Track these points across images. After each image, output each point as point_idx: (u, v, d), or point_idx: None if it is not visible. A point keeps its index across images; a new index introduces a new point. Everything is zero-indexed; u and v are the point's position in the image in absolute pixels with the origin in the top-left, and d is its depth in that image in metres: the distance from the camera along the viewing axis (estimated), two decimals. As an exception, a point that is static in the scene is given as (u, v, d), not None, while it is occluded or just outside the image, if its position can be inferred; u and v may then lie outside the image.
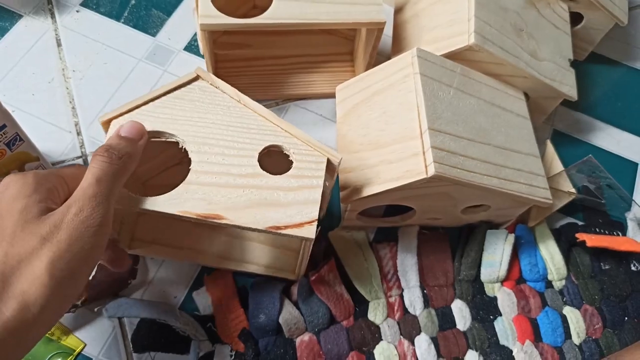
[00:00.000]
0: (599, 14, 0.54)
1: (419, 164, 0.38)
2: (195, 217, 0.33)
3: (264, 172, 0.35)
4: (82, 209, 0.29)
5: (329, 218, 0.47)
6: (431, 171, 0.37)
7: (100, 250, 0.30)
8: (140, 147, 0.34)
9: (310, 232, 0.34)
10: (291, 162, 0.36)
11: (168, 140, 0.36)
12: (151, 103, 0.37)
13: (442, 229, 0.48)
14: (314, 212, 0.34)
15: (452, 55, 0.44)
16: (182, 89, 0.38)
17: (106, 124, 0.36)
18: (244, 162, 0.35)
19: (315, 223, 0.34)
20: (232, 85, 0.52)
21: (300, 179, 0.35)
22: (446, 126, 0.40)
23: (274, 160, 0.37)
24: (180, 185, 0.34)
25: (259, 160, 0.36)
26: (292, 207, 0.34)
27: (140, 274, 0.44)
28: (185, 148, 0.36)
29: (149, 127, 0.36)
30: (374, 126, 0.43)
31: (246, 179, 0.35)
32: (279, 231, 0.34)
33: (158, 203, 0.33)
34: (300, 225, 0.34)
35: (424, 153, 0.38)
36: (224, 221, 0.33)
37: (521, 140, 0.45)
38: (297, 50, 0.55)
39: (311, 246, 0.38)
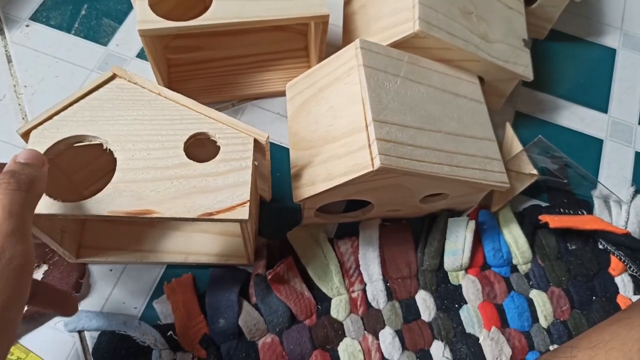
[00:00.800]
0: (553, -9, 0.53)
1: (366, 157, 0.37)
2: (124, 215, 0.33)
3: (191, 161, 0.35)
4: (3, 250, 0.26)
5: (290, 218, 0.47)
6: (377, 164, 0.36)
7: (27, 291, 0.28)
8: (44, 172, 0.32)
9: (243, 213, 0.34)
10: (219, 148, 0.36)
11: (92, 142, 0.36)
12: (70, 108, 0.36)
13: (404, 220, 0.48)
14: (245, 194, 0.34)
15: (399, 44, 0.44)
16: (101, 89, 0.37)
17: (25, 136, 0.35)
18: (169, 153, 0.35)
19: (248, 204, 0.34)
20: (186, 88, 0.52)
21: (228, 163, 0.35)
22: (393, 117, 0.39)
23: (207, 150, 0.37)
24: (108, 185, 0.34)
25: (189, 151, 0.36)
26: (222, 192, 0.34)
27: (87, 287, 0.44)
28: (109, 148, 0.36)
29: (71, 132, 0.35)
30: (322, 121, 0.42)
31: (174, 170, 0.35)
32: (211, 217, 0.34)
33: (86, 206, 0.33)
34: (232, 208, 0.34)
35: (369, 146, 0.37)
36: (155, 215, 0.33)
37: (475, 125, 0.44)
38: (250, 49, 0.54)
39: (250, 227, 0.39)
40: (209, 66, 0.53)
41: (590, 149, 0.53)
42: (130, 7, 0.58)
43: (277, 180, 0.48)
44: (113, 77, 0.39)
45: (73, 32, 0.56)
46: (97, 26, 0.56)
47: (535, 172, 0.46)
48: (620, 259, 0.46)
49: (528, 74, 0.48)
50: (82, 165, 0.41)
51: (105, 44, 0.55)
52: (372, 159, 0.37)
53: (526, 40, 0.50)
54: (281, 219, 0.47)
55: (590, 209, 0.49)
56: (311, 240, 0.46)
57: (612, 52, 0.59)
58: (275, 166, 0.48)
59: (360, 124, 0.39)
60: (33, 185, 0.30)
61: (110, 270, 0.44)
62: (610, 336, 0.35)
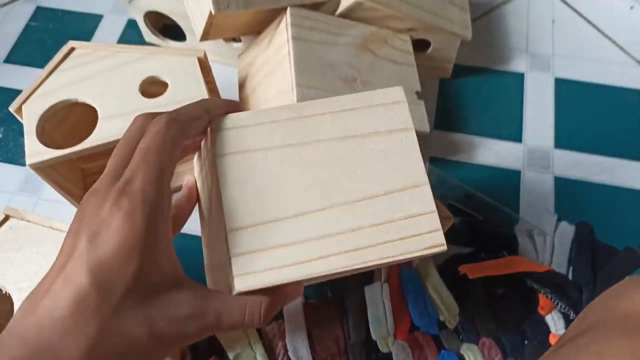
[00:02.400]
0: (441, 35, 0.53)
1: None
2: None
3: None
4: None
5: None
6: (237, 289, 0.28)
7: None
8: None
9: None
10: None
11: None
12: None
13: (330, 293, 0.48)
14: None
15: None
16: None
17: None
18: None
19: None
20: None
21: None
22: (254, 215, 0.30)
23: None
24: None
25: None
26: None
27: None
28: (7, 293, 0.36)
29: None
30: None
31: None
32: None
33: None
34: None
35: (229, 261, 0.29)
36: None
37: (392, 171, 0.31)
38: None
39: None
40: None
41: (508, 182, 0.53)
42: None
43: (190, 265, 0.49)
44: (6, 219, 0.40)
45: (-10, 157, 0.57)
46: (15, 147, 0.58)
47: (450, 214, 0.46)
48: (547, 297, 0.46)
49: (424, 127, 0.48)
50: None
51: (23, 164, 0.56)
52: (232, 284, 0.28)
53: (419, 92, 0.50)
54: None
55: (514, 248, 0.49)
56: (239, 332, 0.46)
57: (520, 76, 0.59)
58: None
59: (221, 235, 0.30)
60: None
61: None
62: None
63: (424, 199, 0.31)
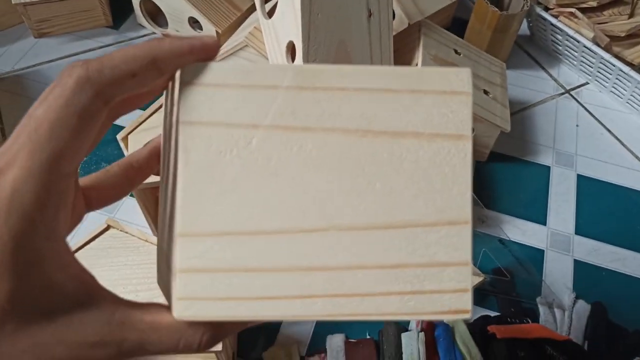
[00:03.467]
0: (484, 124, 0.62)
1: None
2: None
3: None
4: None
5: (266, 337, 0.52)
6: (180, 317, 0.21)
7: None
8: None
9: (217, 345, 0.38)
10: None
11: None
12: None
13: (369, 335, 0.53)
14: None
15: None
16: (96, 240, 0.44)
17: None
18: (156, 294, 0.41)
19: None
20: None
21: None
22: (217, 224, 0.21)
23: None
24: None
25: None
26: None
27: None
28: None
29: None
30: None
31: None
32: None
33: None
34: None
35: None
36: None
37: (422, 194, 0.22)
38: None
39: (223, 356, 0.42)
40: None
41: (532, 258, 0.59)
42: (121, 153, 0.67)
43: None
44: (107, 228, 0.46)
45: (75, 176, 0.64)
46: (97, 169, 0.65)
47: (478, 271, 0.53)
48: (565, 364, 0.51)
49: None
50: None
51: (102, 185, 0.63)
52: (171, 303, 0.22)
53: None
54: (258, 338, 0.52)
55: (536, 317, 0.55)
56: (284, 358, 0.50)
57: (547, 169, 0.68)
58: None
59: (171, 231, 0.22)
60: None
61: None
62: None
63: (460, 244, 0.22)
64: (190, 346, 0.22)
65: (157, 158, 0.25)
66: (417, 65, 0.60)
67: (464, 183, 0.22)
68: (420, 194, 0.22)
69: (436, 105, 0.22)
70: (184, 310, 0.21)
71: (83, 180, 0.24)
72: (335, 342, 0.51)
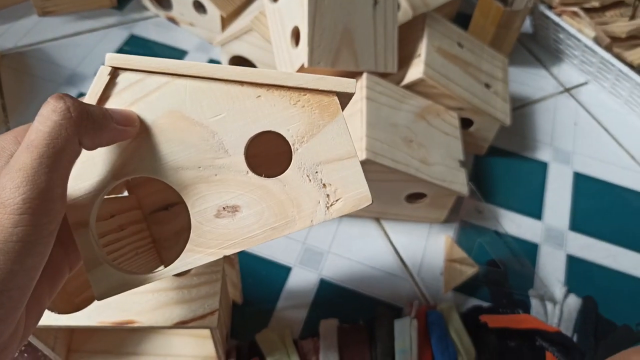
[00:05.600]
0: (484, 117, 0.63)
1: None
2: (111, 325, 0.38)
3: (170, 276, 0.41)
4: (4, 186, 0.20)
5: (259, 321, 0.52)
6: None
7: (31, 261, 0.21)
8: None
9: (212, 321, 0.39)
10: None
11: None
12: None
13: (361, 321, 0.53)
14: (214, 304, 0.40)
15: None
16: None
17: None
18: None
19: (217, 313, 0.40)
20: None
21: (201, 276, 0.41)
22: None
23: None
24: None
25: None
26: (195, 302, 0.40)
27: None
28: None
29: None
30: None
31: (154, 284, 0.41)
32: (185, 325, 0.39)
33: (78, 317, 0.39)
34: (203, 317, 0.40)
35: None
36: (136, 324, 0.39)
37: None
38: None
39: (220, 332, 0.43)
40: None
41: (526, 251, 0.60)
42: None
43: (248, 285, 0.54)
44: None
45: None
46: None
47: (472, 262, 0.54)
48: (554, 355, 0.51)
49: (464, 190, 0.56)
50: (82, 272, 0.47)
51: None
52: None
53: (462, 160, 0.58)
54: (252, 321, 0.52)
55: (527, 309, 0.55)
56: (278, 341, 0.51)
57: (544, 165, 0.68)
58: (246, 272, 0.54)
59: None
60: (90, 119, 0.23)
61: (95, 372, 0.49)
62: None
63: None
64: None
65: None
66: (419, 56, 0.60)
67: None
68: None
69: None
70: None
71: None
72: (328, 327, 0.52)
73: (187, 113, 0.26)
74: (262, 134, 0.27)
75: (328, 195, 0.26)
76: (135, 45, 0.77)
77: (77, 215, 0.26)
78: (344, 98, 0.27)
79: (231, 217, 0.27)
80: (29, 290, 0.22)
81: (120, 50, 0.76)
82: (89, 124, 0.23)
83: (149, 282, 0.27)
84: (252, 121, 0.26)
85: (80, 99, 0.23)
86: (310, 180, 0.26)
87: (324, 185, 0.26)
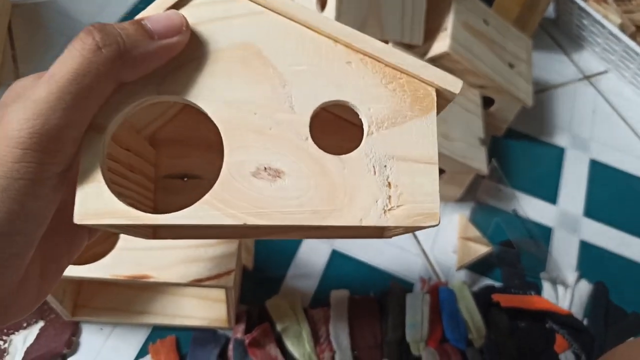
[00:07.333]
0: (506, 97, 0.62)
1: None
2: (124, 278, 0.38)
3: None
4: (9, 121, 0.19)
5: (269, 287, 0.52)
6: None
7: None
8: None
9: (228, 281, 0.39)
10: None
11: None
12: None
13: (372, 293, 0.53)
14: (231, 264, 0.39)
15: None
16: None
17: None
18: None
19: (233, 273, 0.39)
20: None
21: None
22: None
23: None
24: (112, 251, 0.39)
25: None
26: (212, 261, 0.39)
27: (77, 345, 0.47)
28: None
29: None
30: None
31: (172, 241, 0.40)
32: (200, 283, 0.38)
33: (91, 269, 0.38)
34: (219, 276, 0.39)
35: None
36: (151, 280, 0.38)
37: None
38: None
39: (233, 294, 0.43)
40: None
41: (540, 235, 0.59)
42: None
43: (260, 252, 0.54)
44: None
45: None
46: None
47: (487, 241, 0.53)
48: (564, 337, 0.51)
49: (483, 168, 0.55)
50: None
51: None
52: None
53: (482, 138, 0.57)
54: (262, 287, 0.52)
55: (539, 291, 0.55)
56: (287, 308, 0.50)
57: (561, 150, 0.67)
58: (258, 239, 0.53)
59: None
60: (128, 56, 0.20)
61: (101, 329, 0.48)
62: None
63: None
64: None
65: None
66: (446, 30, 0.59)
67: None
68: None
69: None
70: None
71: None
72: (339, 297, 0.51)
73: (266, 52, 0.23)
74: (334, 107, 0.23)
75: (390, 197, 0.22)
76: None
77: (96, 115, 0.22)
78: (443, 99, 0.24)
79: (270, 181, 0.22)
80: (34, 239, 0.20)
81: (135, 8, 0.74)
82: (125, 58, 0.20)
83: (143, 222, 0.22)
84: (333, 86, 0.23)
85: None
86: (375, 173, 0.22)
87: (389, 184, 0.22)
